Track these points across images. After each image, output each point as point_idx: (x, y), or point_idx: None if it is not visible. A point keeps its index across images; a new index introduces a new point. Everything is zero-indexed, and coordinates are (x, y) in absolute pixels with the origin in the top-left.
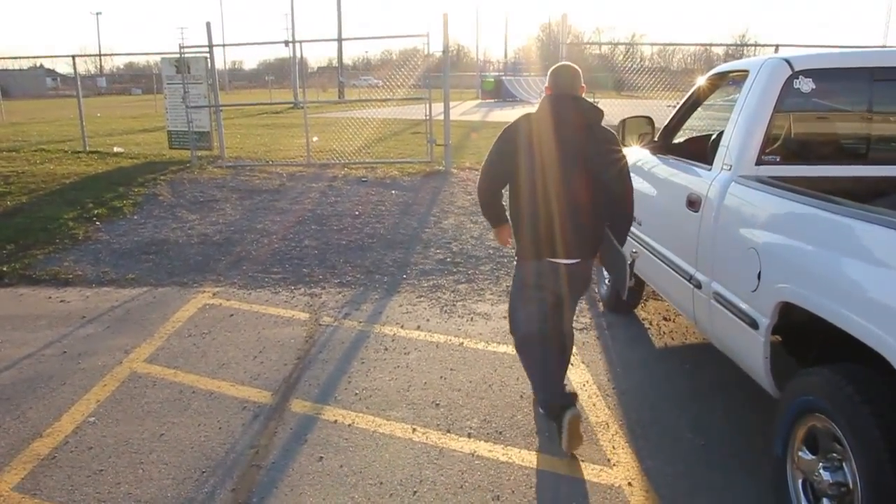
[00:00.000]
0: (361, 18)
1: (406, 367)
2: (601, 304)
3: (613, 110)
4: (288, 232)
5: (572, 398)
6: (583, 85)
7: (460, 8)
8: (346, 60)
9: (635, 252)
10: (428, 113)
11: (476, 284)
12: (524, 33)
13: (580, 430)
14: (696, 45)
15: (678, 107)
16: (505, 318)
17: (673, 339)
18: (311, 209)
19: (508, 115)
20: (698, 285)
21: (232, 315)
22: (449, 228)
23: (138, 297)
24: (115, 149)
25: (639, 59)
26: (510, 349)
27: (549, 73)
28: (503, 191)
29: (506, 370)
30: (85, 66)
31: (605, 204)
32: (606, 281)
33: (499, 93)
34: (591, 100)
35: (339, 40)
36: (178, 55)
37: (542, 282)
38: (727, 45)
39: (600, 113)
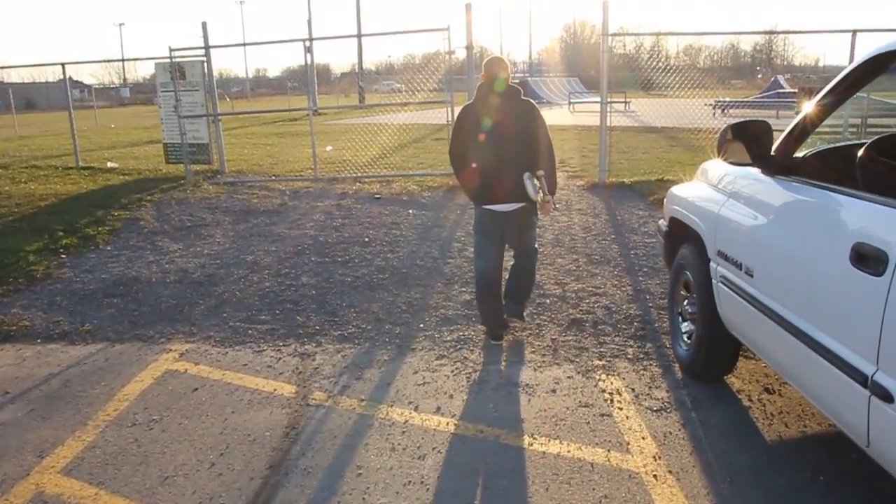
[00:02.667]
0: (381, 22)
1: (421, 484)
2: (678, 367)
3: (646, 110)
4: (283, 266)
5: (504, 325)
6: (509, 72)
7: (483, 9)
8: (369, 65)
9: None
10: (450, 118)
11: (512, 337)
12: (547, 34)
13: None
14: (761, 33)
15: (809, 105)
16: (553, 390)
17: (787, 424)
18: (313, 235)
19: None
20: (882, 394)
21: (196, 389)
22: (471, 255)
23: (87, 360)
24: (109, 164)
25: (664, 58)
26: (567, 448)
27: (483, 64)
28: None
29: (563, 489)
30: (109, 77)
31: (535, 154)
32: (685, 339)
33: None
34: (621, 100)
35: (358, 36)
36: (169, 59)
37: (492, 222)
38: (797, 32)
39: (519, 91)
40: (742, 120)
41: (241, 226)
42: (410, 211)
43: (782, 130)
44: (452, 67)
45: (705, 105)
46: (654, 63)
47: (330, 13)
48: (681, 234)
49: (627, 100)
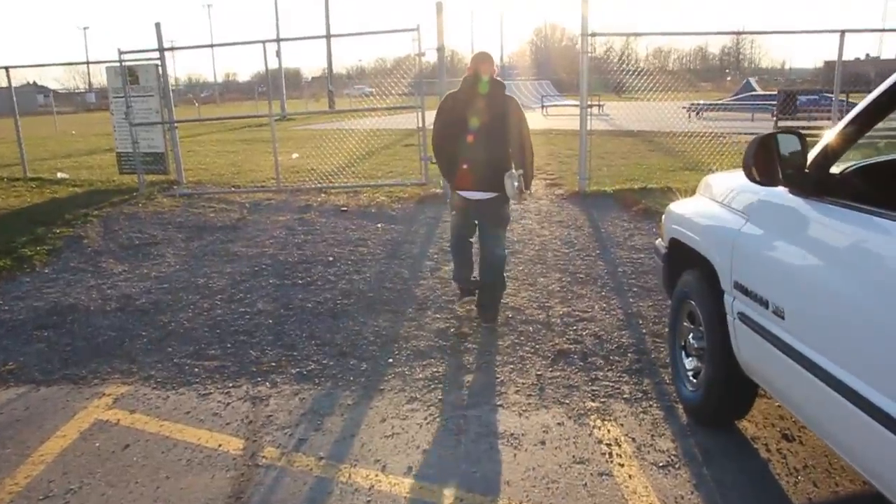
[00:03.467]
0: (352, 25)
1: None
2: (682, 408)
3: (619, 113)
4: (238, 290)
5: (474, 284)
6: (494, 67)
7: (454, 12)
8: (340, 69)
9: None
10: (420, 123)
11: (492, 374)
12: (517, 37)
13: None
14: (750, 33)
15: (854, 112)
16: (542, 442)
17: (816, 483)
18: (272, 254)
19: None
20: None
21: (128, 446)
22: (449, 279)
23: (3, 409)
24: (60, 174)
25: (634, 61)
26: None
27: (471, 57)
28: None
29: None
30: (73, 82)
31: (517, 151)
32: (690, 378)
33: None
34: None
35: (327, 37)
36: (118, 63)
37: (464, 208)
38: (787, 33)
39: (502, 86)
40: (771, 132)
41: (194, 243)
42: (379, 225)
43: (757, 133)
44: (423, 70)
45: (680, 108)
46: (626, 66)
47: (299, 17)
48: (683, 259)
49: (601, 103)
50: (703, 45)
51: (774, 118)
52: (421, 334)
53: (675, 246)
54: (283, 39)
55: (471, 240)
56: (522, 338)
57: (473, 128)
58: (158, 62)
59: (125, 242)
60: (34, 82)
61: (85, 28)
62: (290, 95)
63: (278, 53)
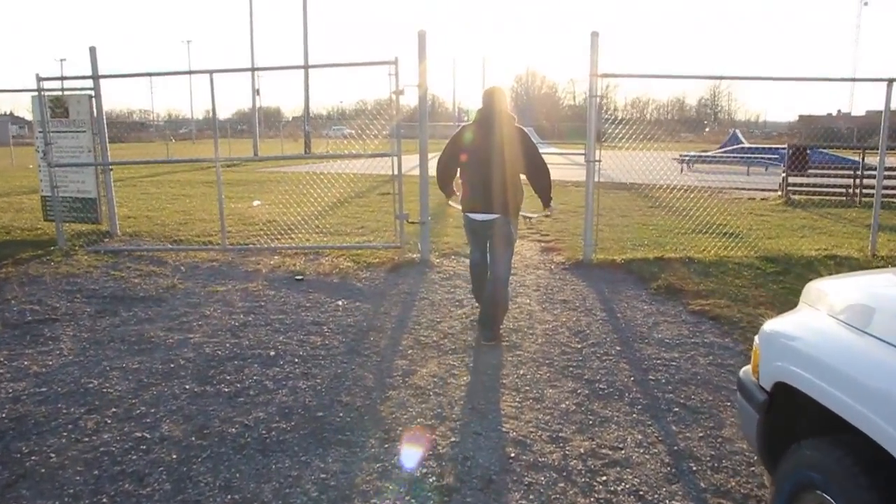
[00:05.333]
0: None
1: None
2: None
3: (607, 163)
4: (141, 400)
5: (487, 338)
6: (505, 103)
7: (436, 57)
8: (320, 109)
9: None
10: (396, 173)
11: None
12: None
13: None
14: (789, 80)
15: None
16: None
17: None
18: (198, 342)
19: None
20: None
21: None
22: (429, 389)
23: None
24: None
25: (613, 109)
26: None
27: (482, 92)
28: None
29: None
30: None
31: (530, 177)
32: None
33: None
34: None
35: (305, 67)
36: (37, 92)
37: (473, 228)
38: (827, 80)
39: (512, 118)
40: None
41: (103, 322)
42: (340, 302)
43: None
44: (402, 112)
45: (670, 159)
46: (607, 115)
47: (279, 56)
48: (804, 418)
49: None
50: (682, 95)
51: (784, 174)
52: (386, 486)
53: (785, 392)
54: (259, 69)
55: (486, 272)
56: (531, 496)
57: (484, 155)
58: (92, 92)
59: (13, 318)
60: (10, 112)
61: (62, 60)
62: (268, 135)
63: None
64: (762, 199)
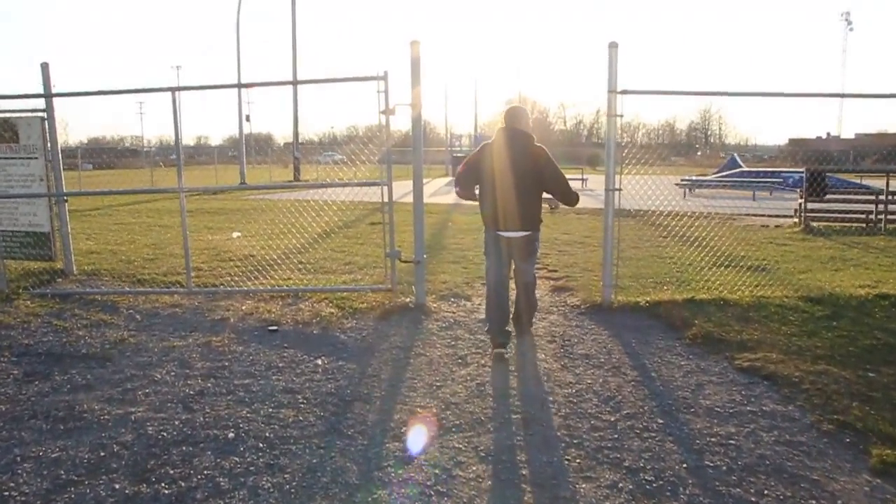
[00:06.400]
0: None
1: None
2: None
3: (602, 187)
4: None
5: (507, 336)
6: (528, 121)
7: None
8: (312, 136)
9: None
10: (387, 202)
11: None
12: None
13: (503, 359)
14: (828, 96)
15: None
16: None
17: None
18: (141, 419)
19: None
20: None
21: None
22: (430, 486)
23: None
24: None
25: (603, 134)
26: None
27: (504, 112)
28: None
29: None
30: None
31: (552, 192)
32: None
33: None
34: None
35: (294, 83)
36: None
37: (495, 245)
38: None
39: (532, 138)
40: None
41: (30, 389)
42: (320, 361)
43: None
44: (393, 136)
45: (673, 184)
46: (596, 139)
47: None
48: None
49: (584, 177)
50: (672, 119)
51: (802, 199)
52: None
53: None
54: (245, 85)
55: (508, 286)
56: None
57: (510, 173)
58: (45, 114)
59: None
60: None
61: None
62: (257, 161)
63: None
64: (777, 227)
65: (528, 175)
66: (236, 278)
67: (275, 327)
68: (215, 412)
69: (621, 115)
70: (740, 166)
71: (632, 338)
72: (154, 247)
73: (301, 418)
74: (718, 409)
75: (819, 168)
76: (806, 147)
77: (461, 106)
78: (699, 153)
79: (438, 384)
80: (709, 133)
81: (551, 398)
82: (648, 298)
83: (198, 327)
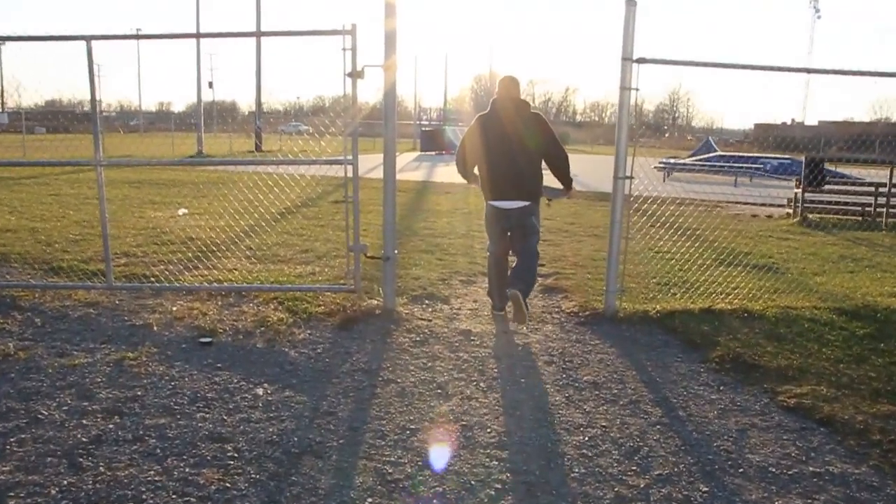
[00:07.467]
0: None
1: None
2: None
3: (577, 167)
4: None
5: (507, 299)
6: (519, 90)
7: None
8: (277, 106)
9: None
10: (351, 186)
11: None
12: (458, 84)
13: (522, 308)
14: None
15: None
16: None
17: None
18: (0, 489)
19: (456, 173)
20: None
21: None
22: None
23: None
24: None
25: (573, 113)
26: None
27: (498, 81)
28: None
29: None
30: None
31: (548, 161)
32: None
33: (434, 145)
34: None
35: (257, 35)
36: None
37: (496, 216)
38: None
39: (527, 105)
40: None
41: None
42: (261, 391)
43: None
44: (362, 109)
45: (654, 168)
46: (564, 118)
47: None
48: None
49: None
50: (641, 101)
51: (800, 189)
52: None
53: None
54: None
55: (507, 256)
56: None
57: (507, 143)
58: None
59: None
60: None
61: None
62: (221, 129)
63: (210, 84)
64: (768, 217)
65: (527, 144)
66: (171, 268)
67: (208, 338)
68: (112, 473)
69: (637, 89)
70: (715, 150)
71: (645, 359)
72: (84, 224)
73: (228, 484)
74: (773, 471)
75: (818, 156)
76: (772, 133)
77: (430, 79)
78: (666, 135)
79: (413, 427)
80: (676, 115)
81: (559, 450)
82: (658, 307)
83: (112, 336)
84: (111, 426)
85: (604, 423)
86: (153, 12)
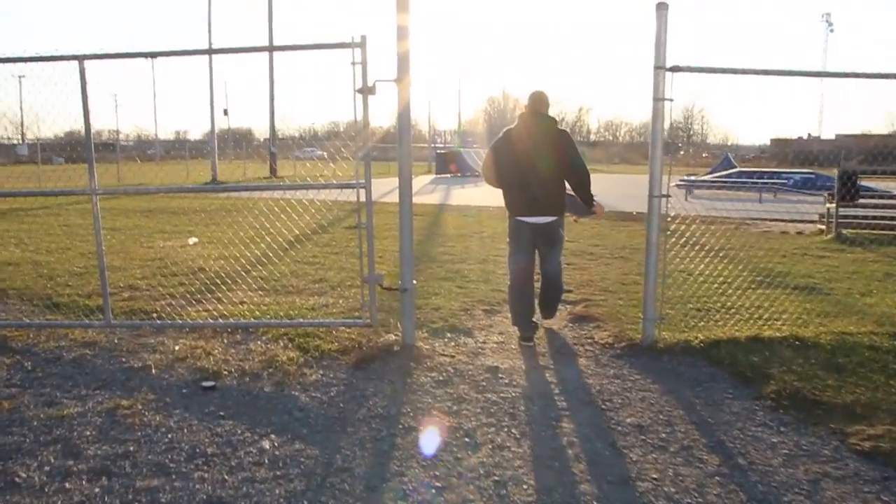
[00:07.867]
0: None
1: None
2: None
3: (595, 186)
4: None
5: (533, 328)
6: (548, 106)
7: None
8: (292, 132)
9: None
10: (364, 212)
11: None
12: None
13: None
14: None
15: None
16: None
17: None
18: None
19: (472, 195)
20: None
21: None
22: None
23: None
24: None
25: (587, 132)
26: None
27: (528, 97)
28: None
29: None
30: (4, 132)
31: (569, 177)
32: None
33: (447, 167)
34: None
35: (270, 49)
36: None
37: (523, 230)
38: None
39: (555, 121)
40: None
41: None
42: (267, 444)
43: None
44: (373, 131)
45: (675, 186)
46: (579, 138)
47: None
48: None
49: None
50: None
51: (833, 204)
52: None
53: None
54: (216, 52)
55: (532, 276)
56: None
57: (534, 158)
58: None
59: None
60: None
61: (21, 77)
62: (236, 155)
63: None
64: (799, 234)
65: (552, 159)
66: (175, 302)
67: (211, 382)
68: None
69: (671, 100)
70: (735, 166)
71: (693, 396)
72: (90, 256)
73: None
74: None
75: (851, 168)
76: (790, 147)
77: (443, 102)
78: (682, 152)
79: (439, 485)
80: (691, 132)
81: None
82: (701, 336)
83: (107, 381)
84: (97, 490)
85: (654, 476)
86: (167, 44)
